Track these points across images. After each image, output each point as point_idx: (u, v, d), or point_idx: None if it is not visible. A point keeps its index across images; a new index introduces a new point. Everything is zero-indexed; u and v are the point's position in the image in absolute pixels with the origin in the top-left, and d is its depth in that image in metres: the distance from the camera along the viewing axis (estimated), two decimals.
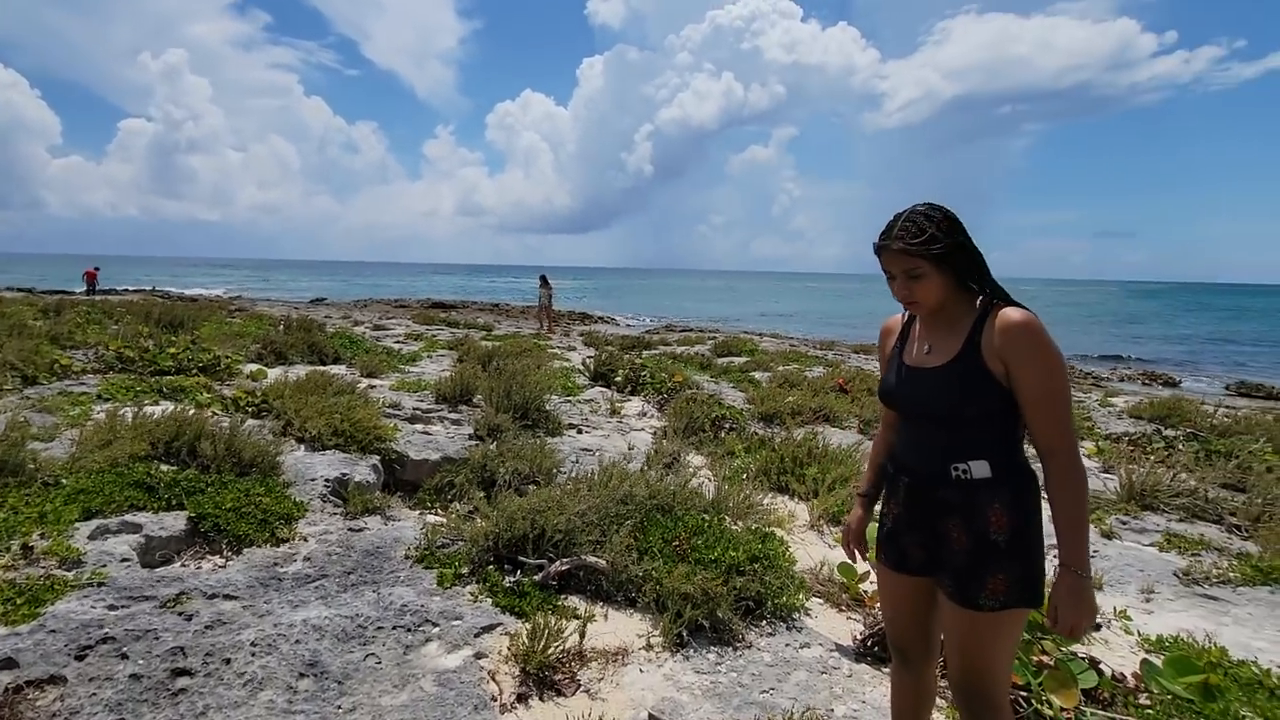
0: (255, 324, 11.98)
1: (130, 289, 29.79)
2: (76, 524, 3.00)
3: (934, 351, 1.61)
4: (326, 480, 4.04)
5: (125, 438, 4.03)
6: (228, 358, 7.41)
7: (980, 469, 1.53)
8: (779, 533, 3.95)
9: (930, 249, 1.51)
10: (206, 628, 2.47)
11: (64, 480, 3.36)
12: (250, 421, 4.91)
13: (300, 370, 7.38)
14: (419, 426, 5.55)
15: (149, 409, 4.72)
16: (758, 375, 9.85)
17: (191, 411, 4.79)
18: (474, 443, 5.16)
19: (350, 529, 3.67)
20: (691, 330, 22.38)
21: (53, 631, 2.27)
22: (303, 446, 4.69)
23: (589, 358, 10.28)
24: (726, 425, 6.49)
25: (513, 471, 4.54)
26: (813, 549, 3.91)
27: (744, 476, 5.05)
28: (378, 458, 4.64)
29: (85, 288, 26.00)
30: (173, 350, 7.23)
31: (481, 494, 4.44)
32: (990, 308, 1.55)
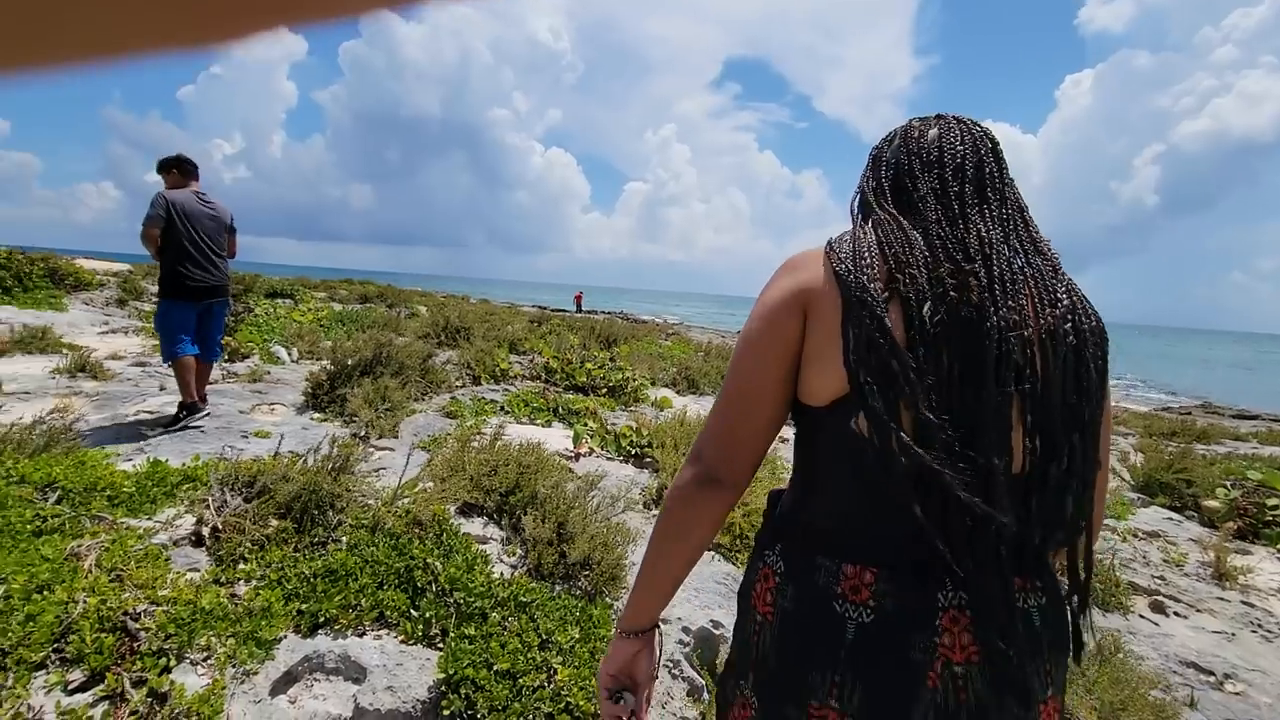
0: (681, 348, 11.70)
1: (604, 311, 35.67)
2: (280, 641, 1.75)
3: None
4: (687, 631, 2.20)
5: (464, 471, 2.96)
6: (635, 380, 6.58)
7: None
8: None
9: None
10: None
11: (343, 538, 2.26)
12: (623, 471, 3.52)
13: (710, 402, 6.12)
14: None
15: (515, 429, 3.78)
16: None
17: (553, 451, 3.64)
18: None
19: None
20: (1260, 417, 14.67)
21: None
22: None
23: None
24: None
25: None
26: None
27: None
28: None
29: (574, 308, 32.02)
30: (588, 366, 6.75)
31: None
32: None
